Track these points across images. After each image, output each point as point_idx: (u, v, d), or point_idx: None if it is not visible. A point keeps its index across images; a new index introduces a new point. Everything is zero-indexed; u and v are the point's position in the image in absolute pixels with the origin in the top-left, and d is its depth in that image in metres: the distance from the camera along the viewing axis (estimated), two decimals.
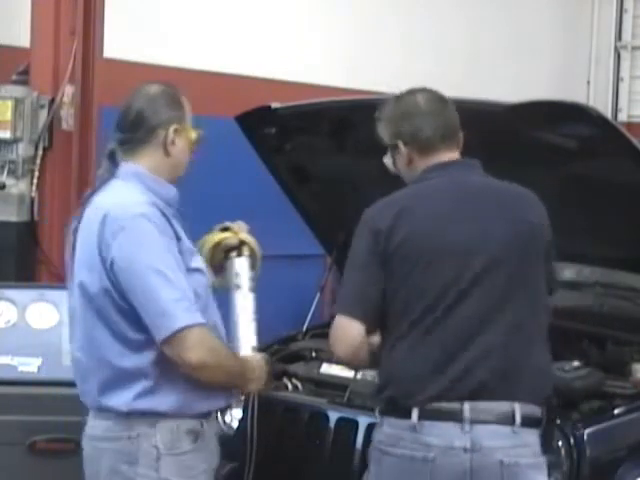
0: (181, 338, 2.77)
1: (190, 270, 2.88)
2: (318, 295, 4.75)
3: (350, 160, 4.46)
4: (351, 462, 3.70)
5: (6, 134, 4.99)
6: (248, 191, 6.03)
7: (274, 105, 4.33)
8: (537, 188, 4.07)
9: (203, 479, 2.94)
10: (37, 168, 5.01)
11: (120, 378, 2.84)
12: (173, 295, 2.78)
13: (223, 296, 3.13)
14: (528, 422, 2.97)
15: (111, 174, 2.97)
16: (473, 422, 2.92)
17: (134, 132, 2.96)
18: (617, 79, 8.92)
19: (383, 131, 3.18)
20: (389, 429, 3.00)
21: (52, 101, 4.97)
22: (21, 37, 4.88)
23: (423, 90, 3.18)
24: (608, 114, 7.90)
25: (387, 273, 2.99)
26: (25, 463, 3.79)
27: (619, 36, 8.93)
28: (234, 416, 4.44)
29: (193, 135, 3.02)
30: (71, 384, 3.06)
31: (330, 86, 6.45)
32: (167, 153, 2.96)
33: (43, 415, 3.79)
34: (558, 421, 3.59)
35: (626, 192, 3.85)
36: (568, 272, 5.18)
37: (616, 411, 3.82)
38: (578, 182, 3.96)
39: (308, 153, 4.52)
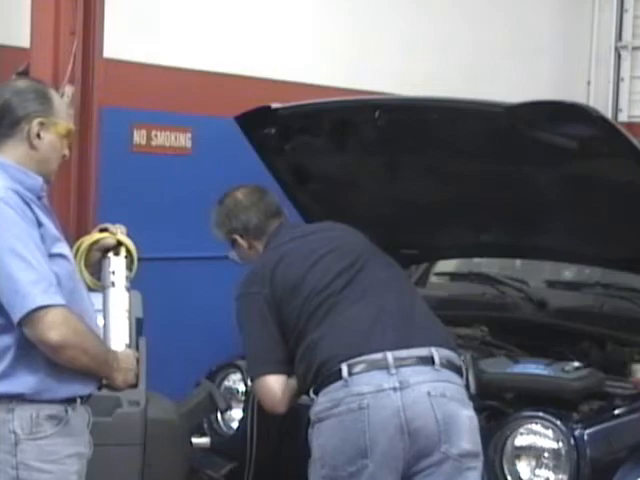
0: (40, 318, 2.75)
1: (53, 255, 2.87)
2: None
3: (350, 160, 4.46)
4: None
5: None
6: None
7: (274, 105, 4.33)
8: (537, 188, 4.09)
9: (69, 463, 2.89)
10: None
11: None
12: (31, 277, 2.77)
13: None
14: (447, 365, 3.23)
15: None
16: (397, 366, 3.16)
17: None
18: (617, 79, 8.89)
19: (218, 234, 3.78)
20: (323, 398, 3.20)
21: None
22: (21, 37, 4.86)
23: (239, 187, 3.79)
24: (608, 114, 7.90)
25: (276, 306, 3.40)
26: None
27: (619, 36, 8.90)
28: (234, 416, 4.45)
29: (62, 129, 3.00)
30: None
31: (330, 86, 6.43)
32: (32, 147, 2.95)
33: None
34: (558, 421, 3.60)
35: (626, 192, 3.85)
36: (568, 272, 5.20)
37: (616, 411, 3.82)
38: (578, 182, 3.96)
39: (308, 153, 4.52)
